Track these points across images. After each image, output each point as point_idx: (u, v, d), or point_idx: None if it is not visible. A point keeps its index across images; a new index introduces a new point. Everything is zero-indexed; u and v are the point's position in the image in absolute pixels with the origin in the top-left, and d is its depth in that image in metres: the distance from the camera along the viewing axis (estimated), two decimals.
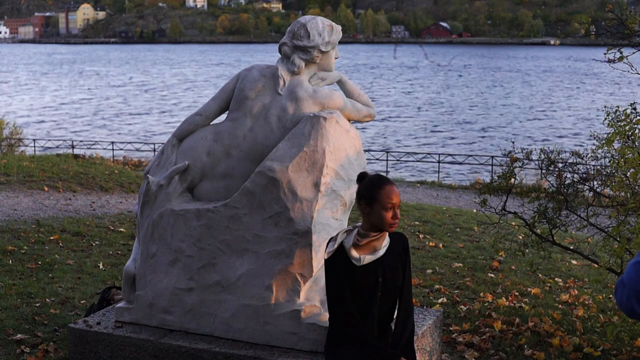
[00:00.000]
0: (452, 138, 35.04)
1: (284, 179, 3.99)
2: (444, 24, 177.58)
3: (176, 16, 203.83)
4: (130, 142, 26.84)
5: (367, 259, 3.46)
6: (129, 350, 4.37)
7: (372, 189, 3.45)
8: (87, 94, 57.79)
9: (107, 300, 5.20)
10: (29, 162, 14.15)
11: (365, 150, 4.60)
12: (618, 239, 5.22)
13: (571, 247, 6.90)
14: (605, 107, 5.57)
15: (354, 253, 3.46)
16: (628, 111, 5.33)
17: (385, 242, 3.52)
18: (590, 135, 6.04)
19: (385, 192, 3.42)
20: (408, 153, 24.89)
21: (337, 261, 3.49)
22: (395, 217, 3.43)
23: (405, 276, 3.56)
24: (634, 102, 5.48)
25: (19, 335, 5.19)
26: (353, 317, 3.47)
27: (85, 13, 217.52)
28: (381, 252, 3.50)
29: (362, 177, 3.56)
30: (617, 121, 5.32)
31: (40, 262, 7.34)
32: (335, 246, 3.49)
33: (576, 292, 7.05)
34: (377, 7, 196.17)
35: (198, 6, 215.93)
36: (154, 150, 23.90)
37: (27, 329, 5.35)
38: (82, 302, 6.10)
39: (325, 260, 3.54)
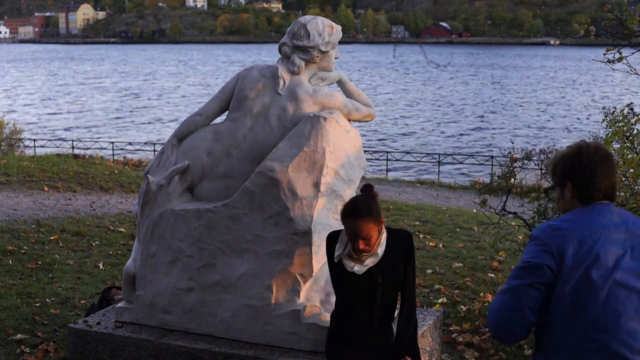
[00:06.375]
0: (447, 135, 34.97)
1: (284, 179, 3.99)
2: (444, 24, 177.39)
3: (176, 16, 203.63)
4: (130, 142, 26.83)
5: (363, 268, 3.42)
6: (129, 350, 4.37)
7: (342, 216, 3.38)
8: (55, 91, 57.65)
9: (107, 300, 5.21)
10: (29, 162, 14.16)
11: (365, 151, 4.59)
12: None
13: None
14: (603, 108, 5.58)
15: (349, 262, 3.42)
16: (625, 112, 5.34)
17: (382, 247, 3.46)
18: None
19: (348, 225, 3.33)
20: (408, 153, 24.88)
21: (339, 264, 3.47)
22: (366, 244, 3.33)
23: (407, 274, 3.49)
24: (631, 103, 5.49)
25: (19, 335, 5.20)
26: (357, 315, 3.47)
27: (85, 13, 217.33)
28: (379, 253, 3.45)
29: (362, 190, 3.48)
30: (615, 122, 5.32)
31: (40, 262, 7.34)
32: (343, 250, 3.45)
33: None
34: (377, 7, 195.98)
35: (198, 6, 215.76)
36: (154, 151, 23.89)
37: (27, 329, 5.36)
38: (82, 302, 6.11)
39: (329, 260, 3.51)
